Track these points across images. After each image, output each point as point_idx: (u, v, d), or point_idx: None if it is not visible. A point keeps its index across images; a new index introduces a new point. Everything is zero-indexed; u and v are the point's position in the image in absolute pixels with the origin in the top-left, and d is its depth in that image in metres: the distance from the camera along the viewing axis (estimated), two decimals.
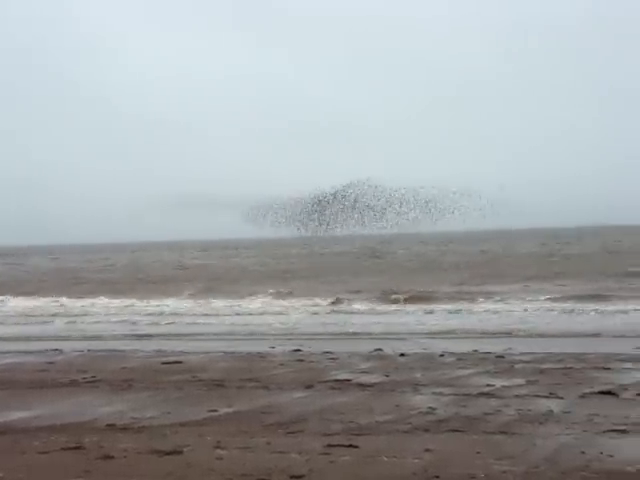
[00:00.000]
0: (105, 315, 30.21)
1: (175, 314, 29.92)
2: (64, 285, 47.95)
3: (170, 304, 34.40)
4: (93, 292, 41.94)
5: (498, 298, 31.96)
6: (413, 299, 33.31)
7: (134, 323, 26.95)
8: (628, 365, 14.32)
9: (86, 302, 35.89)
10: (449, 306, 30.13)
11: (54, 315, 30.47)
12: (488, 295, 33.23)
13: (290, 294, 36.97)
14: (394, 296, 34.33)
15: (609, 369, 13.79)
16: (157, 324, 26.47)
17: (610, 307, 27.60)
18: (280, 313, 29.77)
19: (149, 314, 30.11)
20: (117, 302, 35.62)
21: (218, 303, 35.23)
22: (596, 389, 11.68)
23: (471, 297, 32.73)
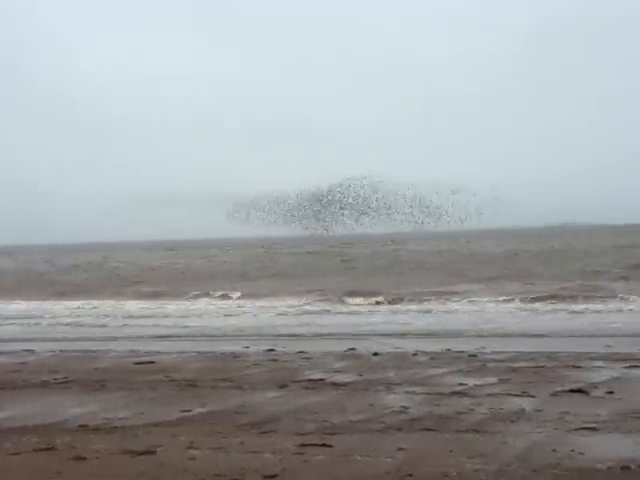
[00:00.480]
0: (62, 317, 29.79)
1: (137, 316, 29.66)
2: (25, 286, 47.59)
3: (135, 305, 34.26)
4: (61, 294, 41.73)
5: (471, 297, 32.18)
6: (386, 299, 33.42)
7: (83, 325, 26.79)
8: (598, 363, 14.47)
9: (49, 304, 35.56)
10: (421, 306, 30.33)
11: (16, 317, 30.06)
12: (460, 295, 33.46)
13: (263, 294, 36.91)
14: (368, 297, 34.43)
15: (580, 367, 13.92)
16: (119, 326, 26.19)
17: (580, 306, 27.92)
18: (253, 313, 29.74)
19: (110, 315, 29.79)
20: (79, 303, 35.38)
21: (187, 304, 35.19)
22: (567, 387, 11.78)
23: (443, 297, 32.90)
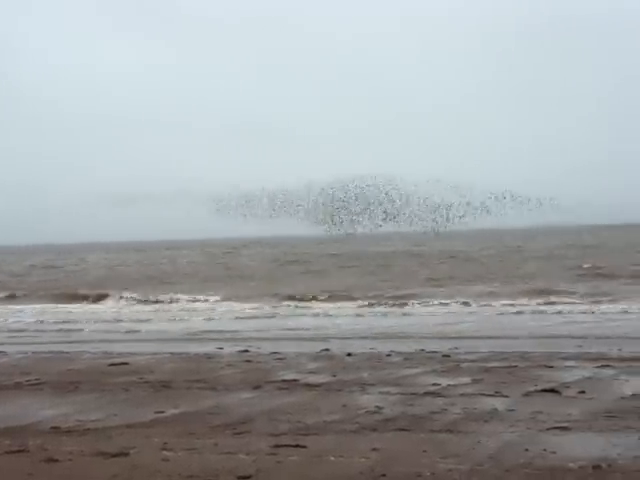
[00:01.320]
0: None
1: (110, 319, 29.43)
2: None
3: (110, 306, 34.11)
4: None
5: (444, 299, 32.35)
6: (361, 300, 33.47)
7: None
8: (571, 363, 14.58)
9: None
10: (396, 308, 30.41)
11: None
12: (436, 295, 33.66)
13: (236, 296, 36.82)
14: (341, 299, 34.49)
15: (552, 367, 14.02)
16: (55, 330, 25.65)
17: (550, 307, 28.18)
18: (227, 315, 29.69)
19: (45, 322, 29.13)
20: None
21: (164, 304, 35.06)
22: (540, 387, 11.86)
23: (417, 298, 33.05)
